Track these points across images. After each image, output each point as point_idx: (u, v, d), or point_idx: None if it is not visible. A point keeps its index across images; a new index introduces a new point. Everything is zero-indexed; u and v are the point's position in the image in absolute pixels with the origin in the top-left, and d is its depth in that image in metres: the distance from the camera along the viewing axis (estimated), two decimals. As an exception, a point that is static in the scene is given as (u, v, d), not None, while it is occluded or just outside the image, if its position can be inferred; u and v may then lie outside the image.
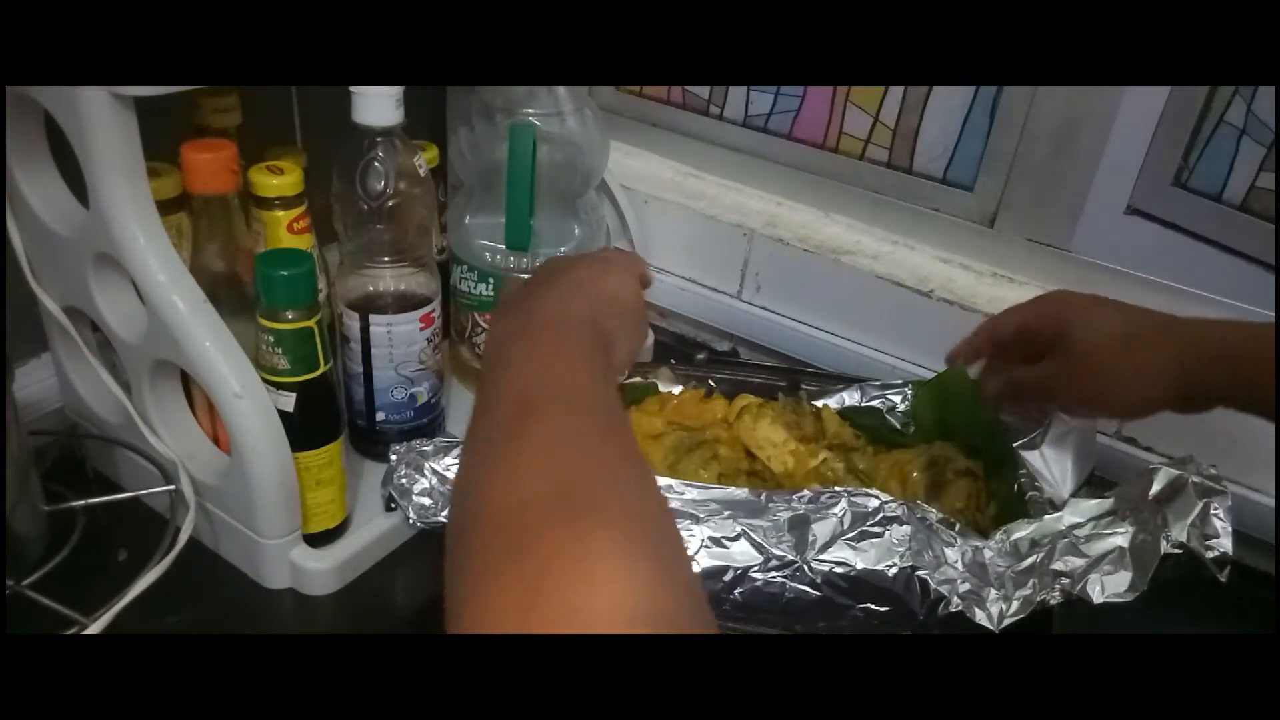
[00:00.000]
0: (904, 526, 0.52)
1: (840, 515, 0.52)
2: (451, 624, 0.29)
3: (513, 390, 0.36)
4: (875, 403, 0.69)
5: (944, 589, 0.51)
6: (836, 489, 0.54)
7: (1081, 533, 0.53)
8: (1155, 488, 0.54)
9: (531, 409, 0.35)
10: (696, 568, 0.51)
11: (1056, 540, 0.53)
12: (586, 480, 0.31)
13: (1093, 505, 0.54)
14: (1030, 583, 0.51)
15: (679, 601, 0.28)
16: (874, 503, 0.53)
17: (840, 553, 0.52)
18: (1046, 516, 0.54)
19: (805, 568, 0.51)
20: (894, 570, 0.51)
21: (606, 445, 0.34)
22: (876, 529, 0.52)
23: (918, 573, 0.51)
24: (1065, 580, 0.51)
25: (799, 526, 0.52)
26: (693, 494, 0.54)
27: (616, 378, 0.44)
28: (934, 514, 0.53)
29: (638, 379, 0.70)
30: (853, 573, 0.51)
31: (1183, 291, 0.71)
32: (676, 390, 0.71)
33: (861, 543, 0.52)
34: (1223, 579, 0.51)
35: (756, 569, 0.52)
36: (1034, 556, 0.52)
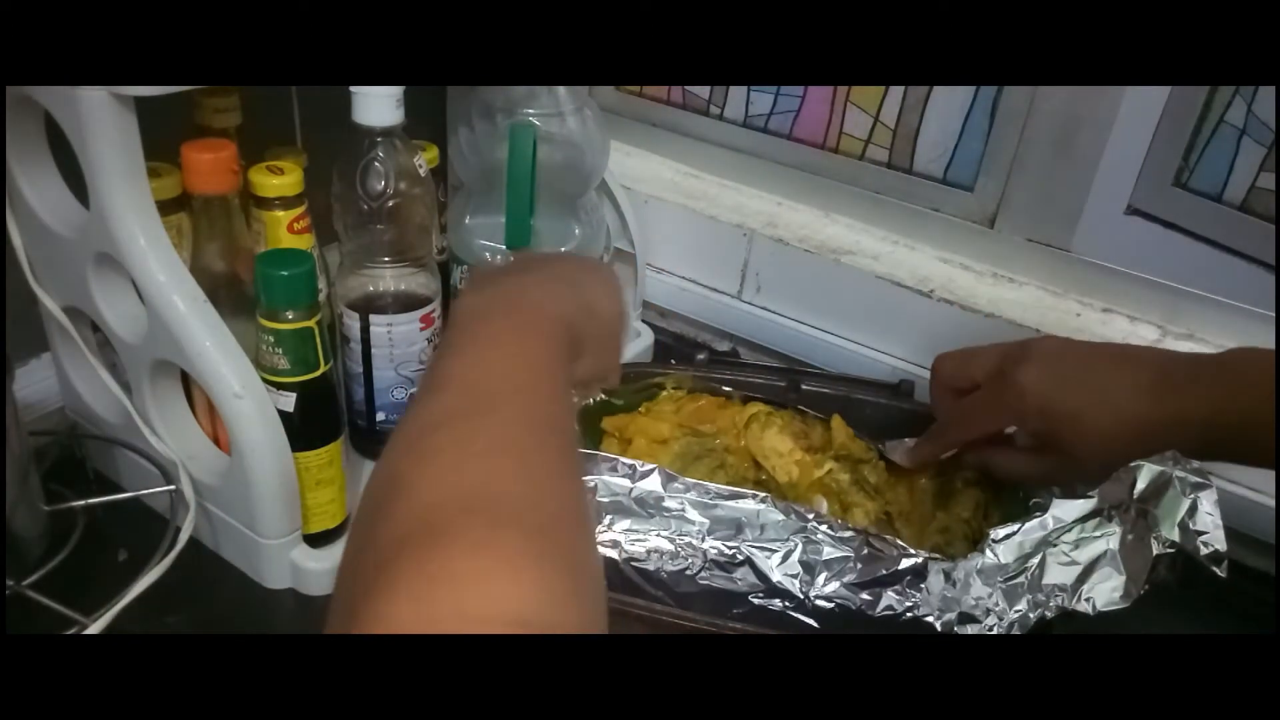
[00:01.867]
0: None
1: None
2: (343, 603, 0.28)
3: (467, 377, 0.35)
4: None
5: (930, 620, 0.50)
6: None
7: (1069, 538, 0.52)
8: (1139, 486, 0.54)
9: (480, 404, 0.33)
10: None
11: (1045, 549, 0.52)
12: (516, 491, 0.30)
13: (1076, 506, 0.54)
14: (1025, 599, 0.51)
15: (580, 624, 0.28)
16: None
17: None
18: (1029, 522, 0.53)
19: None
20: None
21: (547, 458, 0.33)
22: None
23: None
24: (1060, 595, 0.51)
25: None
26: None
27: (572, 390, 0.41)
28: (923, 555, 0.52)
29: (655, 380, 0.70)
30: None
31: (1183, 291, 0.71)
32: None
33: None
34: (1221, 573, 0.51)
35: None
36: (1022, 577, 0.51)
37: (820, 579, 0.51)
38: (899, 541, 0.52)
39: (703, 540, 0.52)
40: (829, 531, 0.52)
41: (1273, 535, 0.66)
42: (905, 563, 0.51)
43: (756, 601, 0.52)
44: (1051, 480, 0.54)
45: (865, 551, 0.51)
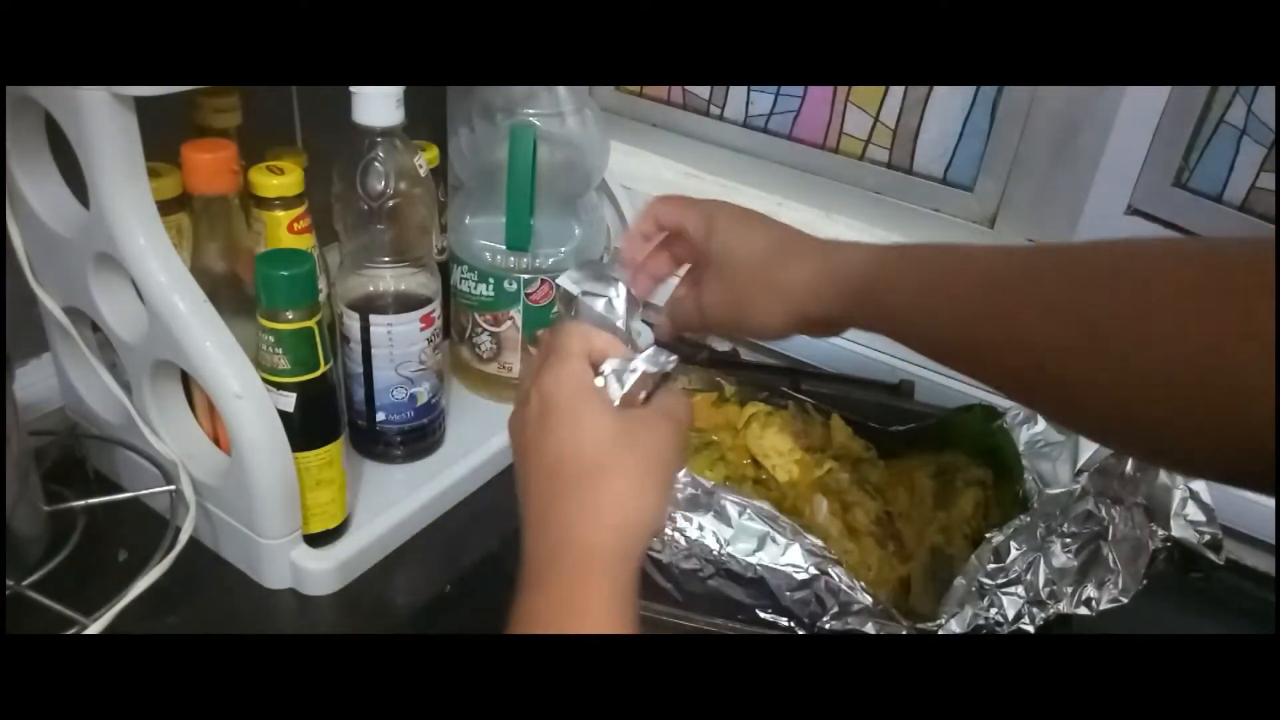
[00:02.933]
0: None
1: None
2: None
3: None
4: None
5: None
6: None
7: (1064, 534, 0.52)
8: (1130, 477, 0.53)
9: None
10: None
11: (1040, 549, 0.52)
12: None
13: (1064, 497, 0.53)
14: (1024, 601, 0.51)
15: None
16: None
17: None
18: (1019, 523, 0.53)
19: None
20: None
21: None
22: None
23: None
24: (1060, 595, 0.50)
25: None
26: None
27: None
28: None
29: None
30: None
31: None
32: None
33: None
34: (1219, 561, 0.51)
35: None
36: (1020, 580, 0.51)
37: (830, 614, 0.51)
38: (914, 625, 0.51)
39: (722, 548, 0.52)
40: (848, 590, 0.51)
41: (1273, 535, 0.66)
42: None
43: (764, 616, 0.52)
44: (715, 313, 0.54)
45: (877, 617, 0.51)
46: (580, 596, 0.37)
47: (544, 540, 0.40)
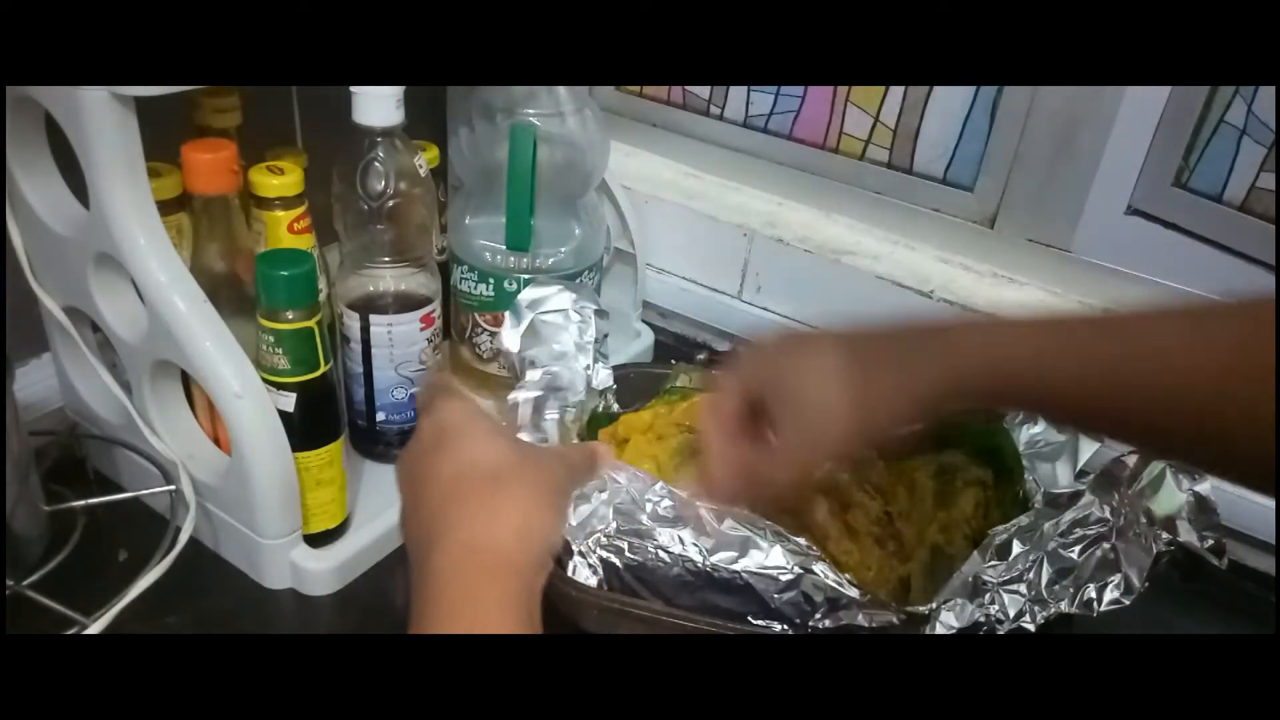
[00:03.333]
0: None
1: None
2: None
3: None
4: None
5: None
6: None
7: (1068, 537, 0.52)
8: (1135, 480, 0.53)
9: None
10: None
11: (1043, 550, 0.52)
12: None
13: (1066, 498, 0.53)
14: (1025, 602, 0.50)
15: None
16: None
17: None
18: (1021, 522, 0.52)
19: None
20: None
21: None
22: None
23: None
24: (1061, 596, 0.50)
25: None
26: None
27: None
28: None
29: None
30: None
31: (1183, 292, 0.71)
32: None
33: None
34: (1221, 566, 0.51)
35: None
36: (1022, 580, 0.51)
37: (820, 610, 0.51)
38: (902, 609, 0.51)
39: (705, 559, 0.51)
40: (835, 585, 0.51)
41: (1273, 535, 0.66)
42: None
43: (756, 623, 0.52)
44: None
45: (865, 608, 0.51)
46: (485, 598, 0.37)
47: (444, 550, 0.39)
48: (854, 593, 0.50)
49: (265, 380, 0.54)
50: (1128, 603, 0.50)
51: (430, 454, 0.42)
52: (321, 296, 0.61)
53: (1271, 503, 0.66)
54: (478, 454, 0.42)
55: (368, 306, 0.62)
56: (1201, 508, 0.52)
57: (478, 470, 0.41)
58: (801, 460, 0.48)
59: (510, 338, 0.61)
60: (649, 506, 0.51)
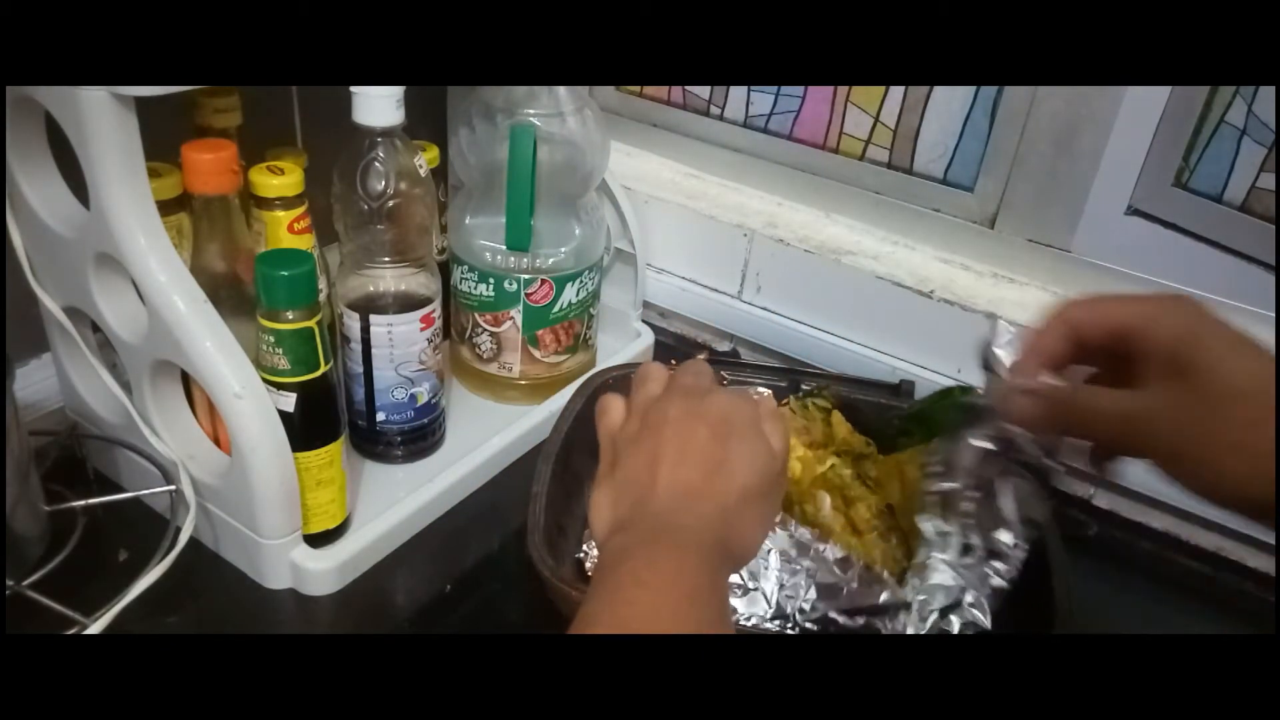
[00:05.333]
0: None
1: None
2: None
3: (616, 617, 0.35)
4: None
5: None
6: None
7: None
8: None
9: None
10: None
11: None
12: None
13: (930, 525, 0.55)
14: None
15: None
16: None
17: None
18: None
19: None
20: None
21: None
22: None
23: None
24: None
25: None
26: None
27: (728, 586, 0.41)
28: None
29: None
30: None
31: (1183, 292, 0.71)
32: None
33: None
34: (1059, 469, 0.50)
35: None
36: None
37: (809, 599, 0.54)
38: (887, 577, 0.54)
39: None
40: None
41: (1273, 536, 0.66)
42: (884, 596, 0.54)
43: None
44: (1178, 453, 0.40)
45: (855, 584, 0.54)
46: (710, 582, 0.37)
47: (687, 522, 0.39)
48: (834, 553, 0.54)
49: (265, 380, 0.54)
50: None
51: (714, 427, 0.41)
52: (321, 296, 0.61)
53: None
54: (757, 462, 0.41)
55: (368, 306, 0.62)
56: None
57: (752, 476, 0.41)
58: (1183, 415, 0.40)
59: None
60: None
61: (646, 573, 0.36)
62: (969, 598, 0.53)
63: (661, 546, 0.37)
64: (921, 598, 0.53)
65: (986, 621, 0.53)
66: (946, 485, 0.53)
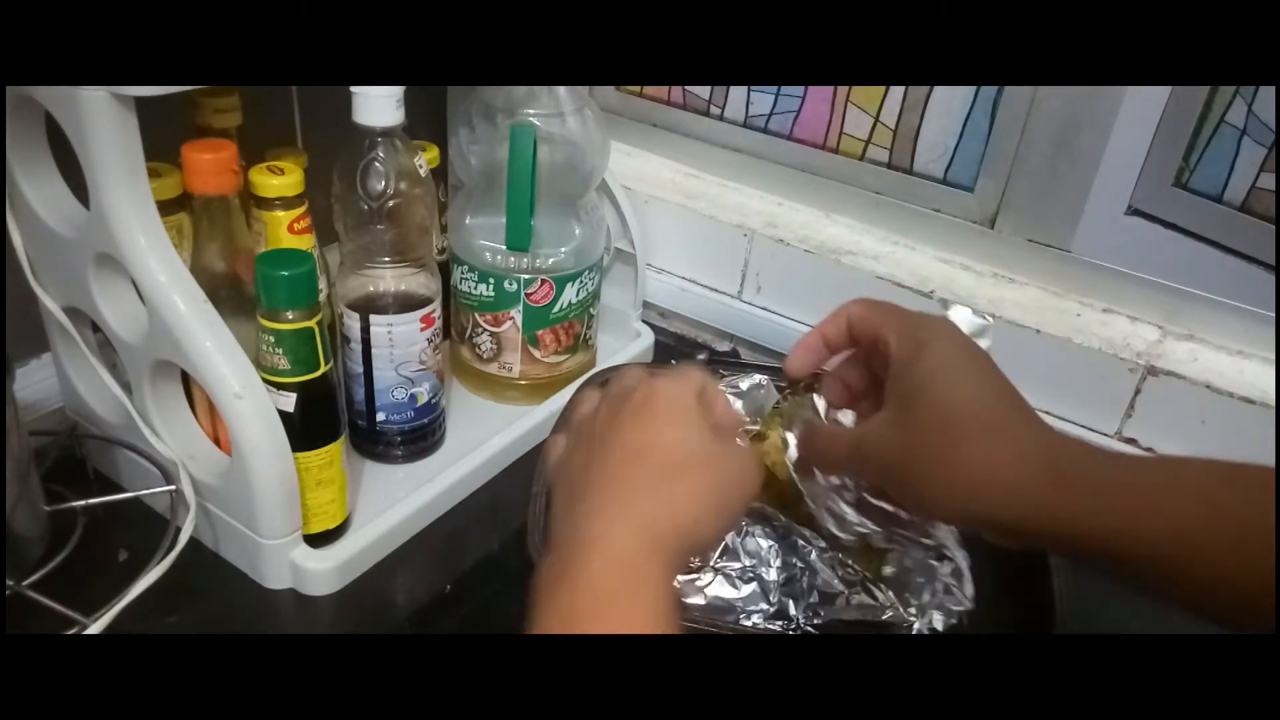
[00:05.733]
0: None
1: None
2: None
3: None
4: None
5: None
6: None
7: None
8: None
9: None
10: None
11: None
12: None
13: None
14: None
15: None
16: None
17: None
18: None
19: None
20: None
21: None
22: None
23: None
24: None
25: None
26: None
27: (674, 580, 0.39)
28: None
29: None
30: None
31: (1183, 292, 0.71)
32: None
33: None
34: None
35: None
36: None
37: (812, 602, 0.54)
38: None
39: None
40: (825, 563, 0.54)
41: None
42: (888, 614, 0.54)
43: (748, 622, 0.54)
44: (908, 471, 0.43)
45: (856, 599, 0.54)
46: (642, 571, 0.37)
47: (615, 518, 0.38)
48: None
49: (265, 380, 0.54)
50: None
51: (628, 415, 0.42)
52: (321, 296, 0.61)
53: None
54: (672, 438, 0.41)
55: (368, 306, 0.62)
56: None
57: (667, 454, 0.40)
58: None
59: None
60: None
61: (571, 606, 0.36)
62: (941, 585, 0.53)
63: (576, 559, 0.37)
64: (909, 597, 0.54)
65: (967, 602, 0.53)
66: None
